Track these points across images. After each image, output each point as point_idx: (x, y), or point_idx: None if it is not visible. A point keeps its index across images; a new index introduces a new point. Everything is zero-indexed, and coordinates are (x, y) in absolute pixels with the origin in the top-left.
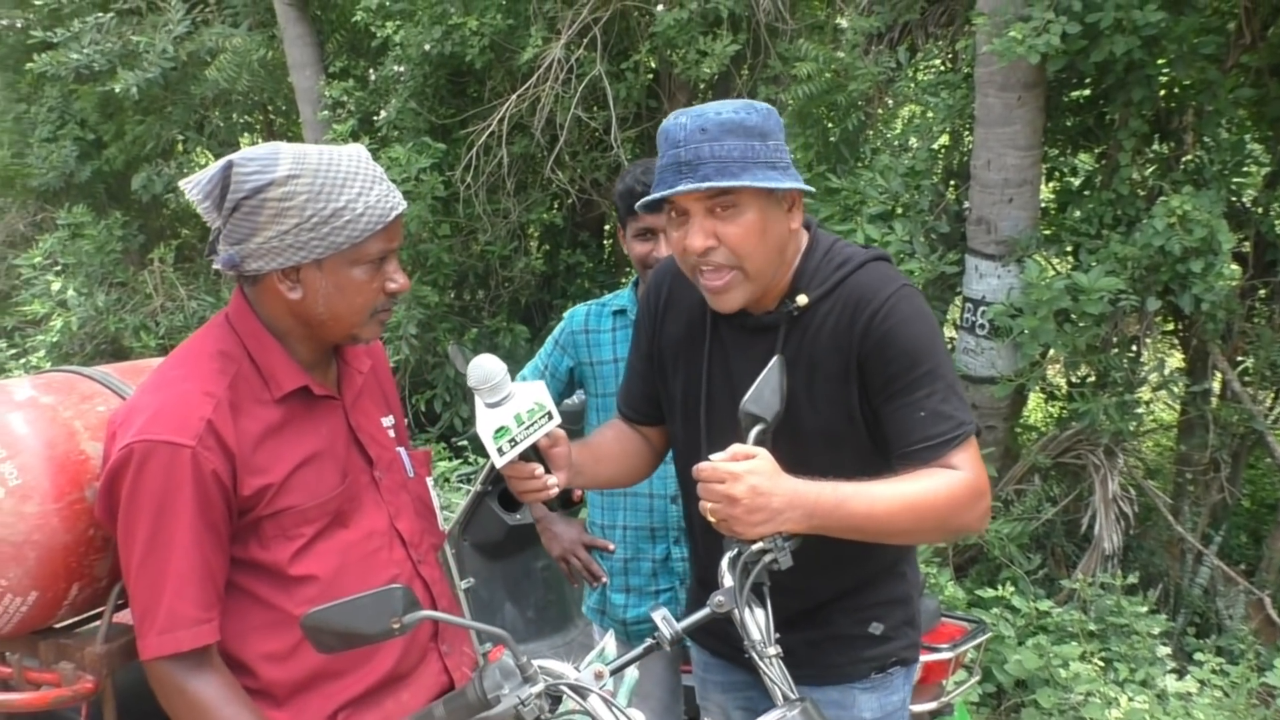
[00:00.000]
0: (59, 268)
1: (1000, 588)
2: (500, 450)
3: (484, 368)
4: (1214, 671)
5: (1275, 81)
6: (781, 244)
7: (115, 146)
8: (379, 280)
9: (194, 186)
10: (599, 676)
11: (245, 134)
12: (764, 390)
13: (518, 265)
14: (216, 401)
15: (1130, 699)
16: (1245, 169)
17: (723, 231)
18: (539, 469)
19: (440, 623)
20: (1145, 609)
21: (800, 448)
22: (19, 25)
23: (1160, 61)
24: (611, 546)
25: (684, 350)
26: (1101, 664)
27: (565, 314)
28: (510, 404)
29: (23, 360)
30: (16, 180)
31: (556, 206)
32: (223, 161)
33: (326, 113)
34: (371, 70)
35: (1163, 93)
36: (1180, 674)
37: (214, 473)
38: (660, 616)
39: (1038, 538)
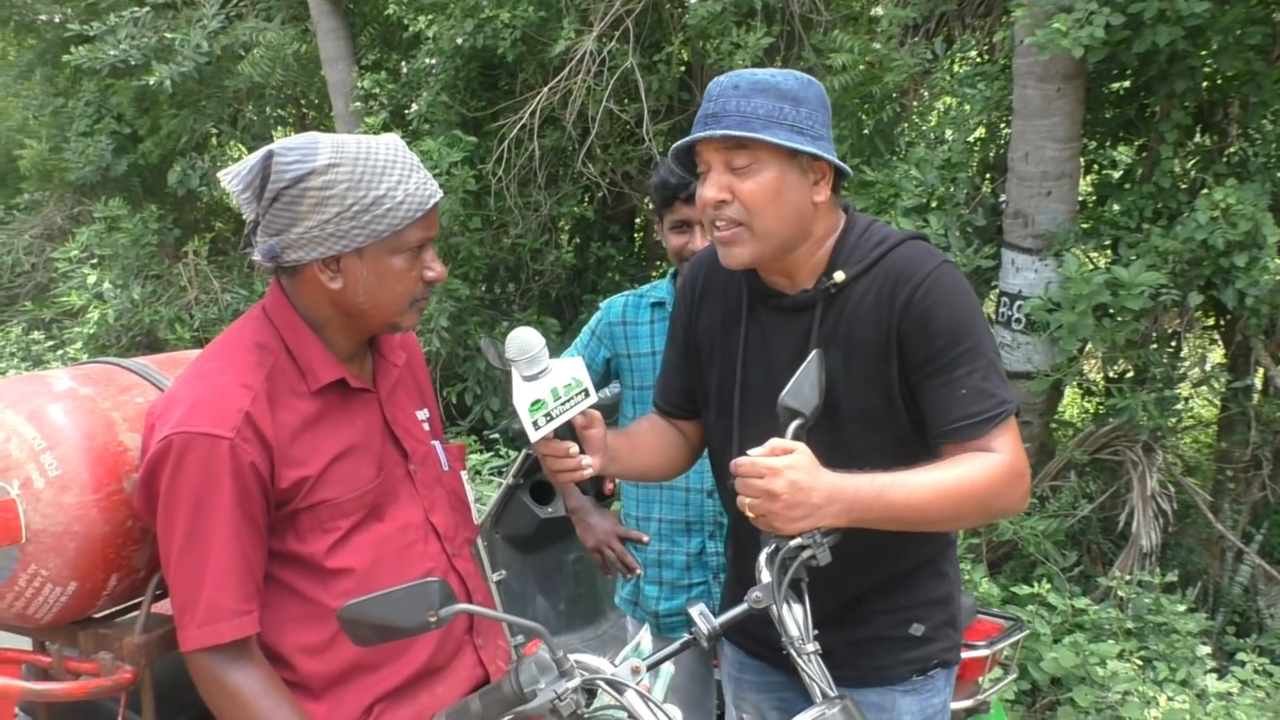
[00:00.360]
0: (95, 260)
1: (1036, 584)
2: (535, 424)
3: (523, 339)
4: (1256, 672)
5: None
6: (799, 212)
7: (150, 140)
8: (417, 268)
9: (233, 177)
10: (635, 672)
11: (278, 127)
12: (803, 384)
13: (548, 258)
14: (254, 394)
15: (1170, 699)
16: None
17: (737, 187)
18: (574, 448)
19: (475, 616)
20: (1184, 607)
21: (838, 430)
22: (56, 20)
23: (1204, 52)
24: (646, 539)
25: (719, 336)
26: (1140, 663)
27: (602, 305)
28: (547, 378)
29: (60, 351)
30: (54, 174)
31: (587, 200)
32: (262, 151)
33: (359, 105)
34: (403, 63)
35: (1206, 84)
36: (1220, 674)
37: (252, 465)
38: (698, 612)
39: (1073, 535)
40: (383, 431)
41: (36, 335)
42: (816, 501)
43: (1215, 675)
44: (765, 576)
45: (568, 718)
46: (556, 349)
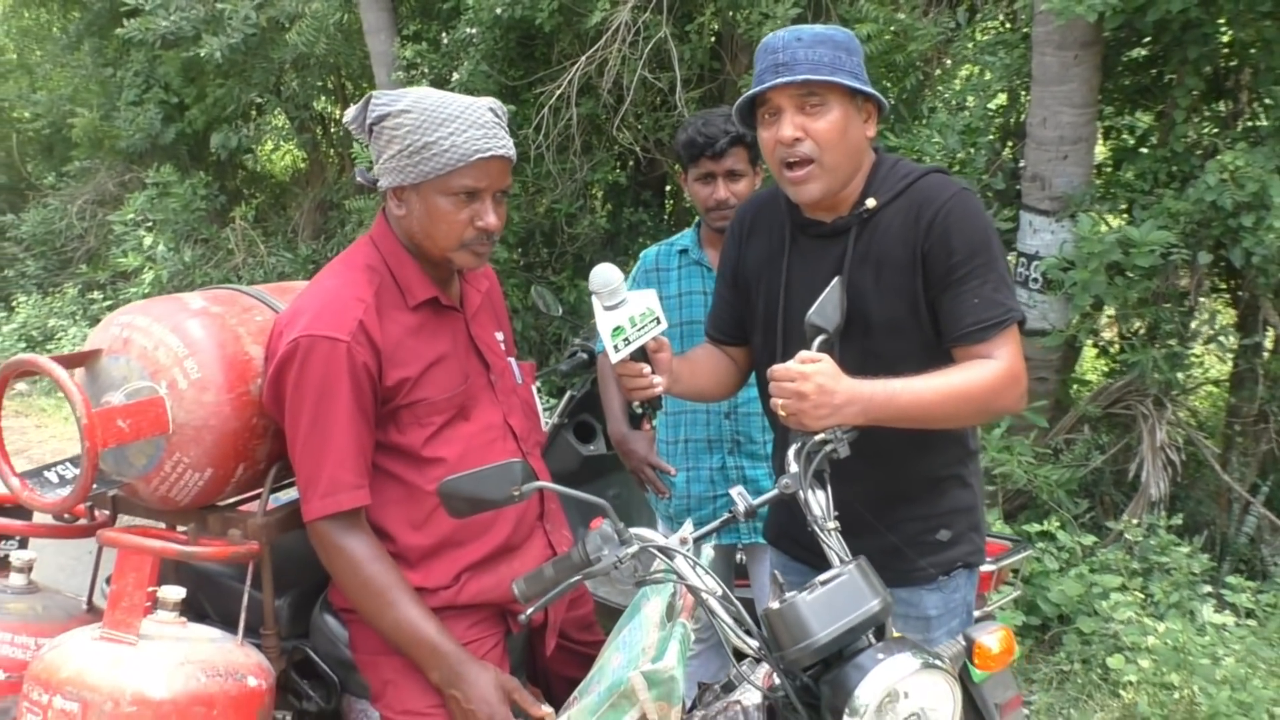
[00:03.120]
0: (149, 224)
1: (1046, 523)
2: (615, 347)
3: (605, 274)
4: (1251, 603)
5: None
6: (858, 146)
7: (197, 108)
8: (467, 213)
9: (350, 118)
10: (683, 541)
11: (320, 97)
12: (826, 305)
13: (583, 223)
14: (366, 305)
15: (1166, 628)
16: None
17: (810, 126)
18: (646, 368)
19: (545, 504)
20: (1187, 549)
21: (869, 338)
22: None
23: (1218, 20)
24: (673, 470)
25: (765, 266)
26: (1142, 596)
27: (640, 255)
28: (625, 308)
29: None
30: (105, 142)
31: (620, 166)
32: (366, 96)
33: (400, 74)
34: (443, 33)
35: (1223, 50)
36: (1221, 609)
37: (364, 364)
38: (737, 492)
39: (1086, 485)
40: (468, 345)
41: (95, 295)
42: (838, 402)
43: (1213, 609)
44: (793, 467)
45: (627, 577)
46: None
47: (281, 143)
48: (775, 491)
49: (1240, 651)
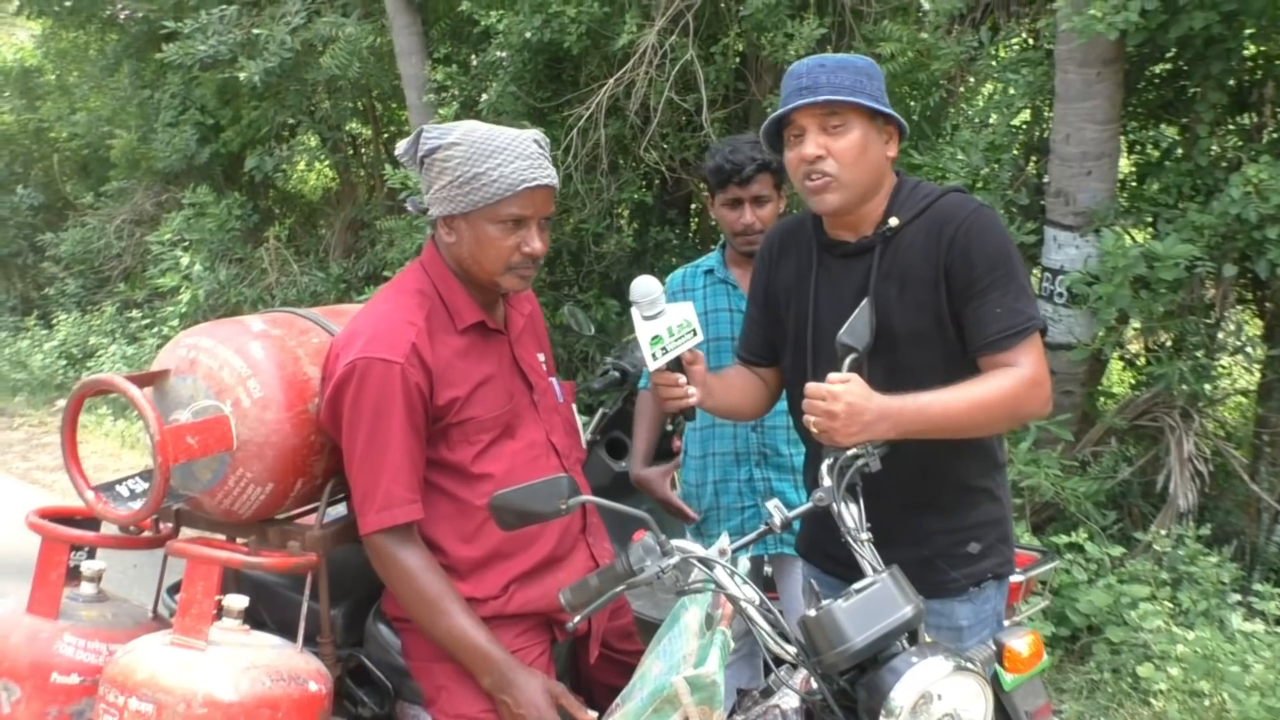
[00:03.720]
0: (185, 244)
1: (1074, 534)
2: (654, 356)
3: (645, 284)
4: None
5: None
6: (878, 165)
7: (232, 130)
8: (514, 240)
9: (402, 150)
10: (722, 552)
11: (352, 119)
12: (857, 324)
13: (610, 242)
14: (418, 329)
15: (1195, 636)
16: None
17: (832, 145)
18: (682, 379)
19: (587, 517)
20: (1216, 559)
21: (895, 351)
22: (138, 16)
23: (1241, 34)
24: (695, 517)
25: (794, 287)
26: (1171, 606)
27: (667, 277)
28: (664, 318)
29: (154, 329)
30: (142, 163)
31: (646, 185)
32: (417, 130)
33: (431, 96)
34: (473, 56)
35: (1245, 65)
36: (1249, 617)
37: (417, 385)
38: (773, 505)
39: (1114, 497)
40: (512, 366)
41: (134, 314)
42: (868, 419)
43: (1242, 617)
44: (827, 481)
45: (668, 587)
46: (616, 328)
47: (315, 163)
48: (810, 505)
49: (1270, 658)
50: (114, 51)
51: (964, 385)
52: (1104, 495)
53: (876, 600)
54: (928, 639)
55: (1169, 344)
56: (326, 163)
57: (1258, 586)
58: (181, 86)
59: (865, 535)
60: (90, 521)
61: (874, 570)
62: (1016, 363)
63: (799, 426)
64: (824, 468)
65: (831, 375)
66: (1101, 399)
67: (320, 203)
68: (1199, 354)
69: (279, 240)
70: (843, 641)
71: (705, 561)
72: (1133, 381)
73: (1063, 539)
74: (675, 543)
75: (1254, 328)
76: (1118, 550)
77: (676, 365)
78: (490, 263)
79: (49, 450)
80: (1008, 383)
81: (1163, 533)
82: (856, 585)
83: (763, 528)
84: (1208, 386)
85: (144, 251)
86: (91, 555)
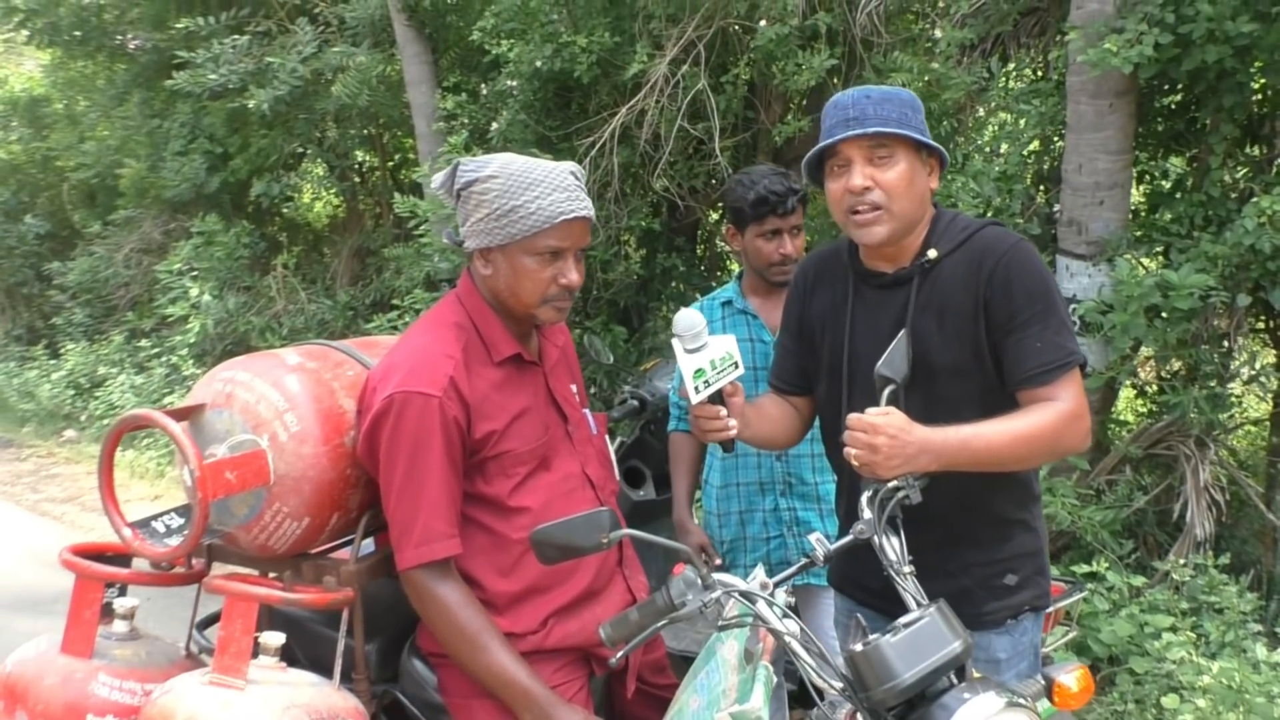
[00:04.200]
0: (195, 273)
1: (1095, 562)
2: (697, 389)
3: (689, 318)
4: None
5: None
6: (923, 196)
7: (240, 158)
8: (551, 271)
9: (438, 183)
10: (764, 586)
11: (361, 147)
12: (894, 357)
13: (618, 269)
14: (455, 362)
15: (1221, 667)
16: None
17: (879, 176)
18: (723, 411)
19: (624, 550)
20: (1237, 588)
21: (934, 382)
22: (147, 46)
23: (1253, 68)
24: (719, 561)
25: (830, 316)
26: (1194, 636)
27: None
28: (706, 351)
29: (163, 358)
30: (150, 191)
31: (654, 213)
32: (454, 162)
33: (440, 124)
34: (483, 85)
35: (1255, 98)
36: (1272, 648)
37: (455, 419)
38: (816, 538)
39: (1129, 526)
40: (547, 398)
41: (143, 343)
42: (911, 453)
43: (1266, 647)
44: (867, 514)
45: (712, 621)
46: (625, 355)
47: (323, 191)
48: (851, 537)
49: None
50: (123, 81)
51: (1005, 419)
52: (1119, 524)
53: (925, 635)
54: (975, 674)
55: (1181, 373)
56: (333, 191)
57: None
58: (190, 115)
59: (908, 568)
60: (121, 557)
61: (918, 604)
62: (1056, 397)
63: (832, 456)
64: (864, 500)
65: (871, 410)
66: (1113, 427)
67: (326, 231)
68: (1212, 383)
69: (286, 269)
70: (892, 677)
71: (747, 595)
72: (1143, 410)
73: (1082, 568)
74: (716, 576)
75: (1267, 356)
76: (1139, 580)
77: (717, 397)
78: (527, 295)
79: (58, 481)
80: (1049, 417)
81: (1181, 562)
82: (904, 619)
83: (804, 560)
84: (1222, 415)
85: (152, 280)
86: (123, 592)
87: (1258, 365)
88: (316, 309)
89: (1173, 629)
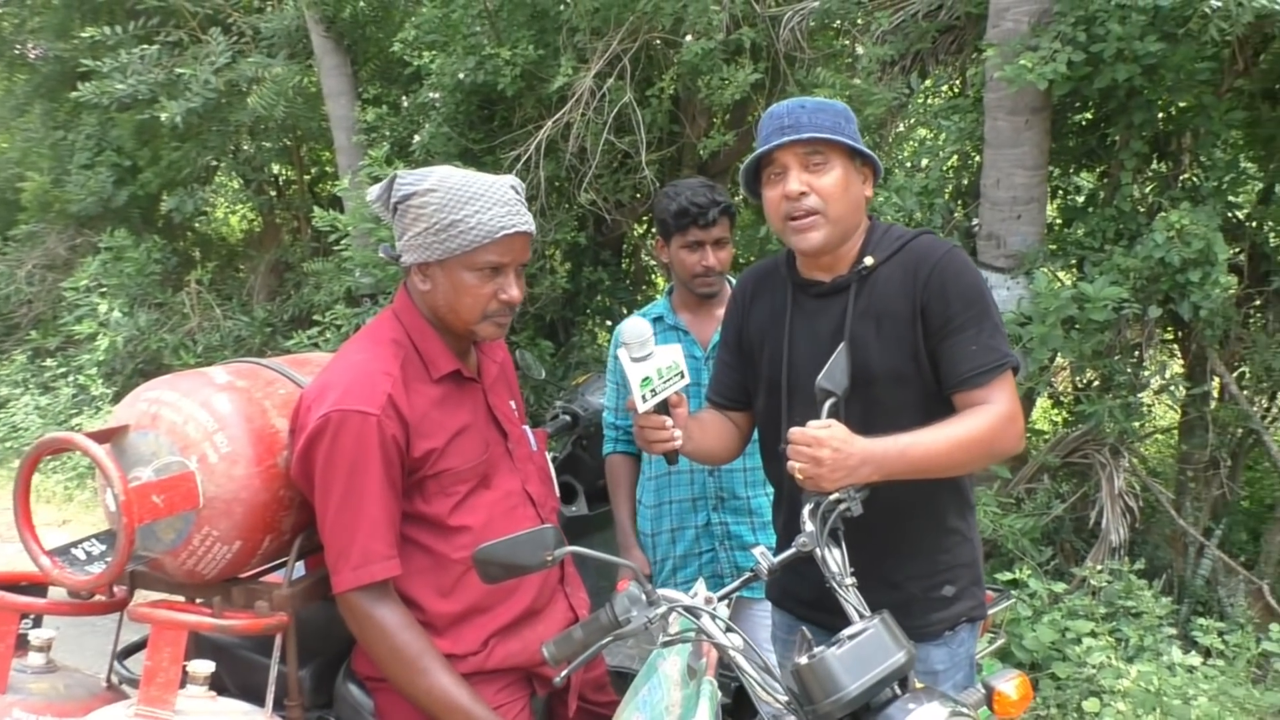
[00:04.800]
0: (103, 290)
1: (1016, 571)
2: (644, 398)
3: (636, 326)
4: (1221, 642)
5: (1267, 104)
6: (858, 203)
7: (150, 171)
8: (491, 287)
9: (374, 196)
10: (708, 601)
11: (277, 160)
12: (834, 370)
13: (544, 283)
14: (394, 379)
15: (1139, 671)
16: (1240, 186)
17: (814, 182)
18: (668, 421)
19: (564, 568)
20: (1152, 593)
21: (872, 388)
22: (51, 56)
23: (1159, 87)
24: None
25: (769, 328)
26: (1113, 641)
27: (615, 329)
28: (653, 360)
29: (69, 378)
30: (55, 205)
31: (580, 226)
32: (391, 175)
33: (361, 137)
34: (404, 97)
35: (1162, 116)
36: (1186, 651)
37: (393, 437)
38: (759, 552)
39: (1048, 533)
40: (487, 415)
41: (48, 363)
42: (853, 464)
43: (1181, 650)
44: (809, 526)
45: (655, 637)
46: (551, 369)
47: (237, 205)
48: (794, 550)
49: (1212, 690)
50: (24, 92)
51: (943, 425)
52: (1038, 532)
53: (869, 646)
54: (917, 684)
55: (1096, 383)
56: (249, 204)
57: (1200, 621)
58: (97, 127)
59: (850, 580)
60: (36, 586)
61: (860, 615)
62: (991, 399)
63: (769, 468)
64: (805, 512)
65: (813, 423)
66: (1031, 437)
67: (242, 246)
68: (1125, 393)
69: (200, 284)
70: (837, 690)
71: (691, 610)
72: (1059, 419)
73: (1006, 576)
74: (661, 592)
75: (1175, 366)
76: (1060, 586)
77: (663, 408)
78: (467, 311)
79: None
80: (985, 420)
81: (1098, 568)
82: (848, 631)
83: (749, 574)
84: (1135, 424)
85: (57, 298)
86: (38, 623)
87: (1167, 375)
88: (233, 326)
89: (1092, 634)
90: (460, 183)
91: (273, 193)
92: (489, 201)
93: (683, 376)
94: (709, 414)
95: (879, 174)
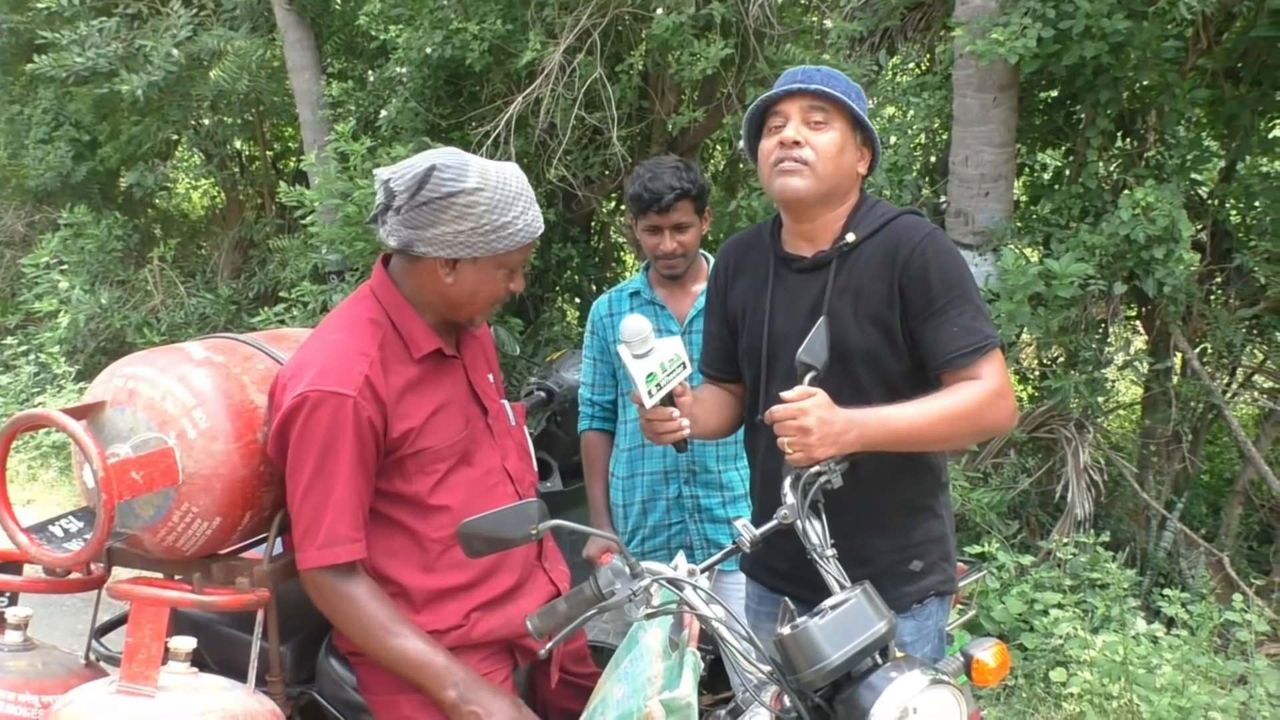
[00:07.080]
0: (64, 266)
1: (984, 544)
2: (649, 393)
3: (635, 324)
4: (1185, 611)
5: (1230, 83)
6: (849, 171)
7: (110, 146)
8: (508, 282)
9: (398, 177)
10: (691, 573)
11: (239, 135)
12: (814, 343)
13: None
14: (371, 360)
15: (1105, 641)
16: (1203, 164)
17: (811, 137)
18: (676, 413)
19: (544, 542)
20: (1118, 565)
21: (849, 364)
22: (6, 29)
23: (1125, 65)
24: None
25: (751, 300)
26: (1080, 613)
27: (592, 305)
28: (655, 355)
29: (30, 356)
30: (12, 180)
31: (549, 203)
32: (426, 165)
33: (326, 112)
34: (369, 72)
35: (1127, 94)
36: (1150, 620)
37: (369, 419)
38: (741, 524)
39: (1014, 507)
40: (467, 391)
41: (8, 341)
42: (837, 431)
43: (1145, 620)
44: (790, 499)
45: (637, 610)
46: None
47: (200, 180)
48: (775, 522)
49: (1176, 659)
50: None
51: (930, 398)
52: (1005, 505)
53: (851, 616)
54: (898, 653)
55: (1061, 359)
56: (211, 180)
57: (1166, 592)
58: (54, 101)
59: (830, 551)
60: (12, 564)
61: (841, 586)
62: (979, 376)
63: (749, 439)
64: (786, 484)
65: (797, 390)
66: None
67: (205, 222)
68: (1090, 368)
69: (164, 261)
70: (820, 659)
71: (674, 582)
72: (1025, 395)
73: (974, 549)
74: (644, 564)
75: (1138, 342)
76: (1027, 559)
77: (668, 399)
78: (483, 303)
79: None
80: (971, 394)
81: (1064, 541)
82: (830, 601)
83: (731, 546)
84: (1099, 399)
85: (15, 275)
86: (14, 601)
87: (1131, 351)
88: (197, 303)
89: (1059, 605)
90: (500, 181)
91: (236, 169)
92: (527, 200)
93: (684, 367)
94: (706, 390)
95: (877, 157)
